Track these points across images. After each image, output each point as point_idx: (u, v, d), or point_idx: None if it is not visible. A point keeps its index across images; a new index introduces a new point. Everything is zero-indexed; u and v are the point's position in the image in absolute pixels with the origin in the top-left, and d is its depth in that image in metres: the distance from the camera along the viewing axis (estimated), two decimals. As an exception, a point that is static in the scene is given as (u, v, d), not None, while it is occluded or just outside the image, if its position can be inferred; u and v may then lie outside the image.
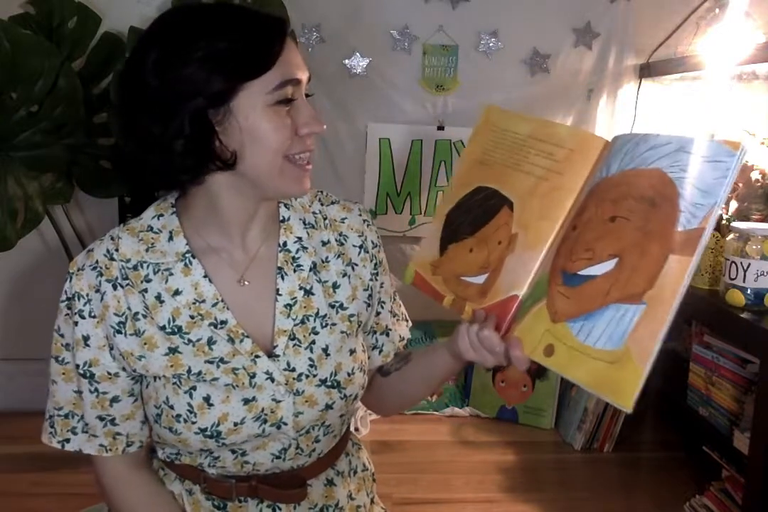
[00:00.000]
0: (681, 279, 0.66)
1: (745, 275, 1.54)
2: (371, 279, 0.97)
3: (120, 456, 0.91)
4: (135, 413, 0.91)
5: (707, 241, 0.67)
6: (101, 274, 0.87)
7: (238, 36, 0.80)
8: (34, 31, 1.97)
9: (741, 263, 1.54)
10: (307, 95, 0.86)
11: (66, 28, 2.03)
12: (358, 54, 2.28)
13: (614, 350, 0.68)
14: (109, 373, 0.88)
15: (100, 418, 0.90)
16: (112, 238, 0.89)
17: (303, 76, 0.84)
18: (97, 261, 0.88)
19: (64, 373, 0.89)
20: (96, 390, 0.89)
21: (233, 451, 0.90)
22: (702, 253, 0.67)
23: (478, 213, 0.88)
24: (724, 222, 1.70)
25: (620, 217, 0.73)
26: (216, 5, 0.86)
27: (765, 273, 1.52)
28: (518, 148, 0.86)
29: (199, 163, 0.82)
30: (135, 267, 0.87)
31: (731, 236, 1.59)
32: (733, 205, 1.92)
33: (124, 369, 0.88)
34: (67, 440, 0.91)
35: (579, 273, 0.74)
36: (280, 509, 0.94)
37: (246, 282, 0.90)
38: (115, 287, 0.87)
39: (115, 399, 0.89)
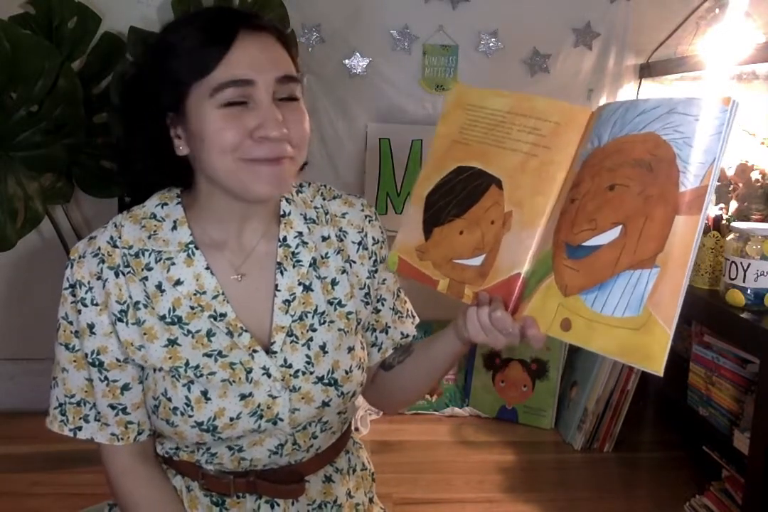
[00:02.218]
0: (692, 238, 0.66)
1: (745, 275, 1.54)
2: (368, 277, 0.97)
3: (129, 446, 0.92)
4: (144, 401, 0.91)
5: (711, 198, 0.67)
6: (103, 261, 0.87)
7: (186, 37, 0.82)
8: (34, 31, 1.97)
9: (741, 263, 1.54)
10: (290, 98, 0.84)
11: (66, 28, 2.03)
12: (358, 54, 2.28)
13: (635, 316, 0.68)
14: (118, 360, 0.88)
15: (112, 407, 0.90)
16: (115, 226, 0.90)
17: (258, 76, 0.81)
18: (99, 248, 0.88)
19: (75, 361, 0.89)
20: (106, 378, 0.89)
21: (230, 448, 0.90)
22: (706, 213, 0.67)
23: (463, 194, 0.86)
24: (724, 222, 1.70)
25: (619, 184, 0.72)
26: (203, 8, 0.88)
27: (765, 273, 1.52)
28: (498, 125, 0.84)
29: (175, 168, 0.86)
30: (137, 255, 0.88)
31: (731, 236, 1.59)
32: (733, 205, 1.92)
33: None
34: (79, 428, 0.91)
35: (583, 244, 0.74)
36: (278, 505, 0.94)
37: (244, 276, 0.90)
38: (117, 274, 0.87)
39: (125, 387, 0.89)
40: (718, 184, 1.97)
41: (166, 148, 0.87)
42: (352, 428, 1.07)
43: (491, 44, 2.30)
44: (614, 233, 0.72)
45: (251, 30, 0.83)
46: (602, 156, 0.75)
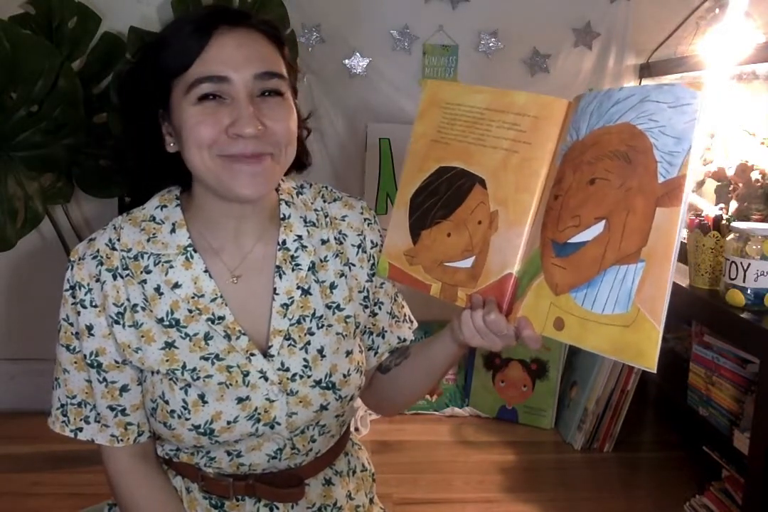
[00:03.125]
0: (674, 231, 0.66)
1: (745, 275, 1.54)
2: (367, 281, 0.96)
3: (129, 448, 0.92)
4: (144, 402, 0.91)
5: (691, 188, 0.66)
6: (101, 263, 0.87)
7: (171, 35, 0.83)
8: (34, 31, 1.97)
9: (741, 263, 1.54)
10: (276, 92, 0.84)
11: (66, 28, 2.03)
12: (358, 54, 2.28)
13: (624, 313, 0.68)
14: (116, 362, 0.88)
15: (111, 408, 0.90)
16: (115, 228, 0.90)
17: (233, 73, 0.81)
18: (98, 251, 0.88)
19: (76, 362, 0.90)
20: (105, 379, 0.89)
21: (228, 453, 0.90)
22: (687, 204, 0.66)
23: (447, 195, 0.85)
24: (724, 222, 1.70)
25: (599, 178, 0.71)
26: (199, 8, 0.88)
27: (765, 273, 1.52)
28: (477, 122, 0.83)
29: (167, 165, 0.87)
30: (135, 258, 0.88)
31: (731, 236, 1.59)
32: (733, 205, 1.92)
33: None
34: (80, 429, 0.91)
35: (569, 241, 0.73)
36: (277, 508, 0.94)
37: (240, 278, 0.90)
38: (115, 277, 0.87)
39: (124, 389, 0.89)
40: (719, 183, 1.98)
41: (161, 146, 0.88)
42: (351, 429, 1.07)
43: (491, 44, 2.30)
44: (598, 228, 0.71)
45: (232, 27, 0.83)
46: (581, 149, 0.74)
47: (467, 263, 0.83)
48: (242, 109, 0.80)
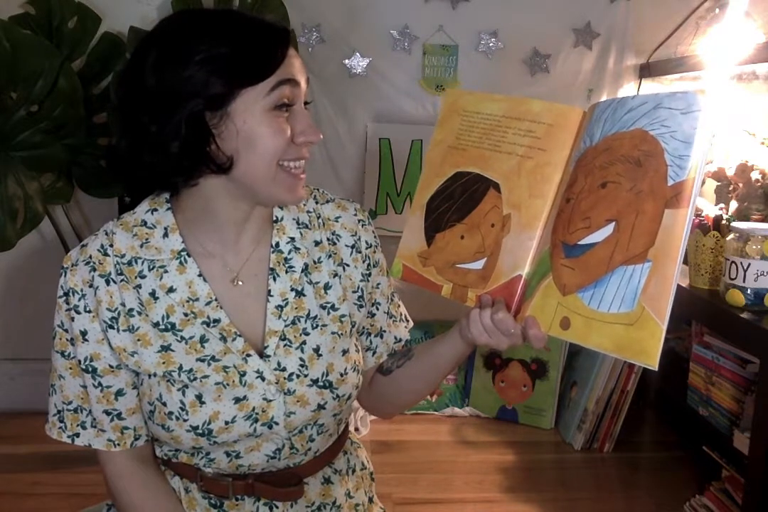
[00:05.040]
0: (681, 232, 0.68)
1: (745, 275, 1.54)
2: (362, 280, 0.97)
3: (127, 451, 0.92)
4: (140, 406, 0.91)
5: (699, 191, 0.68)
6: (94, 269, 0.87)
7: (240, 42, 0.80)
8: (34, 31, 1.97)
9: (741, 263, 1.54)
10: (305, 103, 0.86)
11: (66, 28, 2.03)
12: (358, 54, 2.28)
13: (629, 312, 0.69)
14: (111, 366, 0.88)
15: (107, 413, 0.90)
16: (106, 233, 0.90)
17: (301, 78, 0.84)
18: (90, 257, 0.88)
19: (71, 368, 0.90)
20: (100, 384, 0.89)
21: (227, 454, 0.90)
22: (694, 206, 0.68)
23: (462, 198, 0.87)
24: (724, 222, 1.70)
25: (610, 181, 0.73)
26: (220, 11, 0.87)
27: (765, 273, 1.52)
28: (494, 129, 0.86)
29: (194, 165, 0.83)
30: (129, 263, 0.88)
31: (731, 236, 1.59)
32: (733, 205, 1.92)
33: None
34: (77, 434, 0.91)
35: (579, 243, 0.75)
36: (277, 507, 0.94)
37: (239, 282, 0.90)
38: (108, 282, 0.87)
39: (119, 393, 0.89)
40: (719, 183, 1.98)
41: (199, 146, 0.82)
42: (350, 428, 1.07)
43: (491, 44, 2.30)
44: (608, 230, 0.73)
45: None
46: (594, 154, 0.76)
47: (478, 265, 0.85)
48: (307, 117, 0.84)
